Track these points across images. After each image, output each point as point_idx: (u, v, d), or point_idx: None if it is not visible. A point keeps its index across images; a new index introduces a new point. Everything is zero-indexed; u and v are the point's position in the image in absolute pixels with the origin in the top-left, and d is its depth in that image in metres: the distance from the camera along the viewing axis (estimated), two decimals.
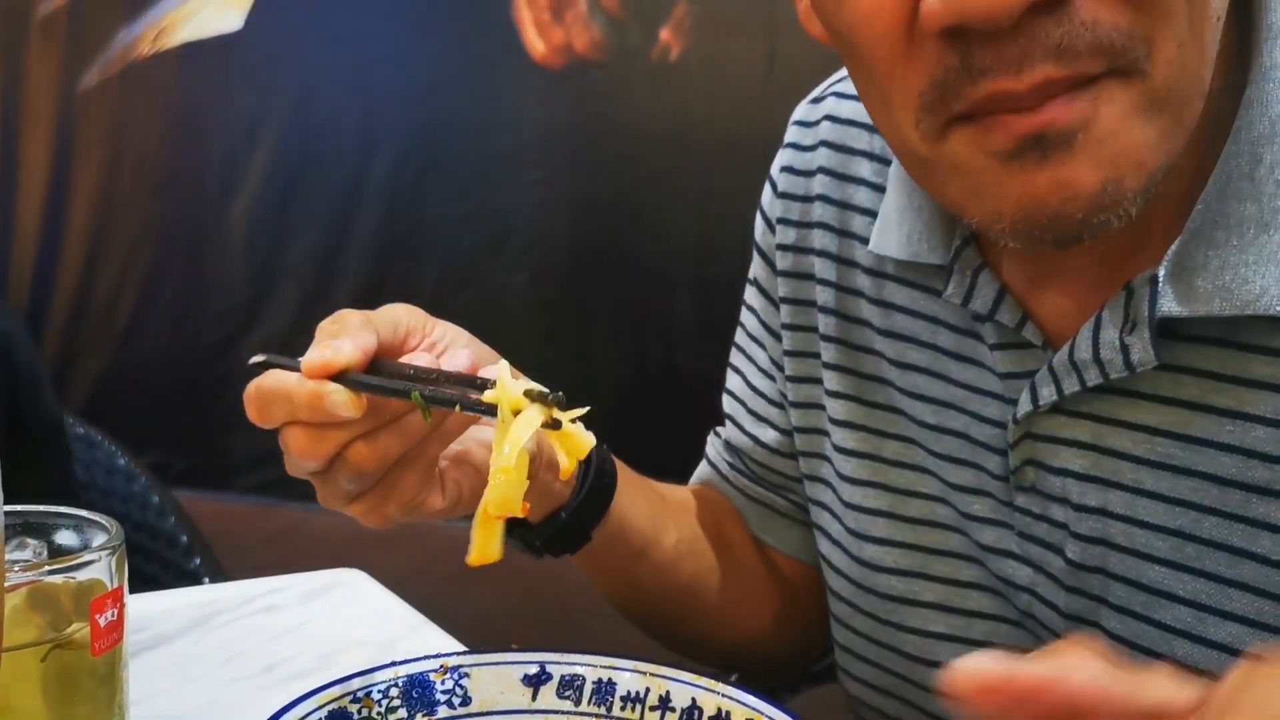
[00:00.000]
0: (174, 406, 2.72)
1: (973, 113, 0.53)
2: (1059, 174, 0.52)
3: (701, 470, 0.90)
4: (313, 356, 0.57)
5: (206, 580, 1.28)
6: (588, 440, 0.54)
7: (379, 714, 0.54)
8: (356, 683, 0.54)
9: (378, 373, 0.58)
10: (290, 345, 2.15)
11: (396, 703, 0.55)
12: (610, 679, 0.57)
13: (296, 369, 0.58)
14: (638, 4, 2.41)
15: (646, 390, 2.40)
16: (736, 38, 2.32)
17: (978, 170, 0.55)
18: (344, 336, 0.59)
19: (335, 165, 2.62)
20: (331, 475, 0.60)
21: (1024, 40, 0.50)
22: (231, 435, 2.20)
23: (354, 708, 0.54)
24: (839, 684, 0.82)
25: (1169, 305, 0.58)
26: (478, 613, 0.69)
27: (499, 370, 0.56)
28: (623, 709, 0.57)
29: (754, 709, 0.55)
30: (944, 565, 0.72)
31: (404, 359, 0.61)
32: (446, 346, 0.64)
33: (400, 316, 0.63)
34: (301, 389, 0.57)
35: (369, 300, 2.39)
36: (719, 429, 0.90)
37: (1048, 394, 0.63)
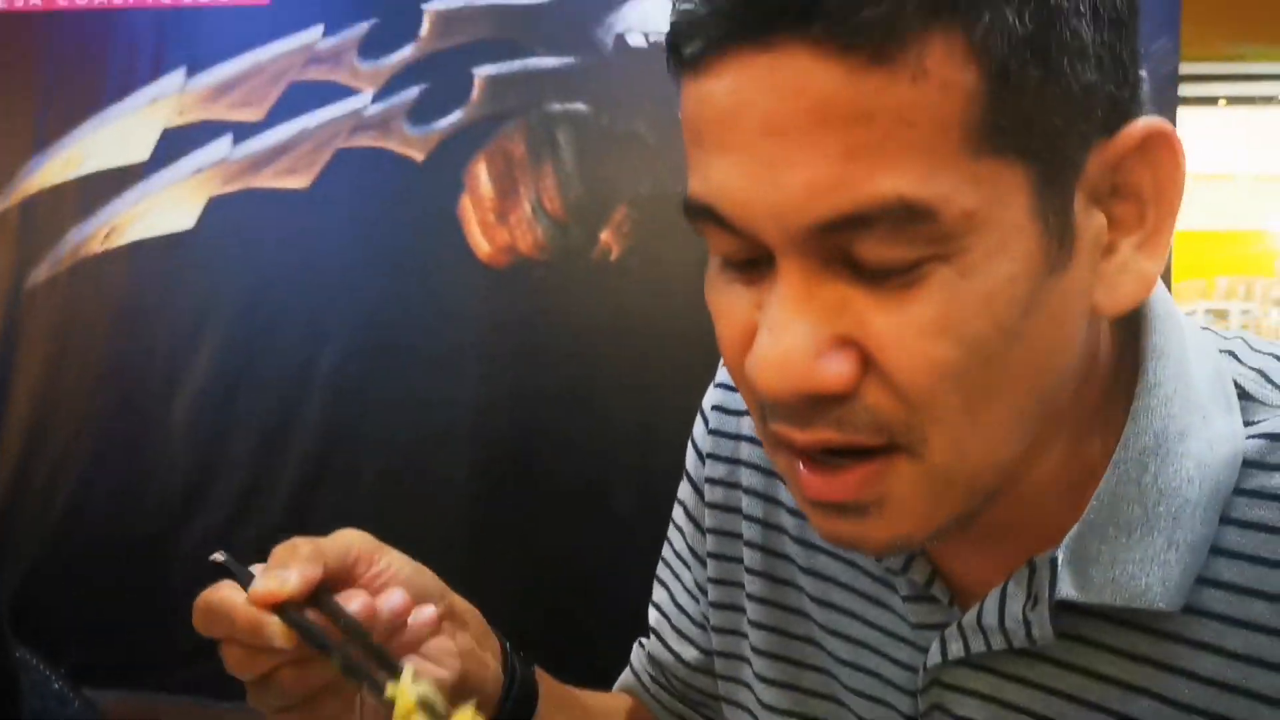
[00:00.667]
0: (107, 600, 2.66)
1: (781, 442, 0.60)
2: (856, 529, 0.59)
3: (626, 678, 0.94)
4: (258, 586, 0.63)
5: None
6: None
7: None
8: None
9: (320, 604, 0.63)
10: (228, 536, 2.16)
11: None
12: None
13: (245, 576, 0.64)
14: (579, 207, 2.52)
15: (590, 581, 2.39)
16: (672, 239, 2.43)
17: (797, 497, 0.62)
18: (293, 566, 0.64)
19: (280, 359, 2.65)
20: (261, 688, 0.64)
21: (807, 409, 0.56)
22: (165, 630, 2.16)
23: None
24: None
25: (1067, 590, 0.63)
26: None
27: (405, 671, 0.61)
28: None
29: None
30: None
31: (341, 596, 0.65)
32: (386, 581, 0.68)
33: (352, 543, 0.69)
34: (243, 614, 0.62)
35: (308, 493, 2.40)
36: (643, 639, 0.93)
37: (955, 649, 0.68)
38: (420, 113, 2.61)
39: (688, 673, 0.89)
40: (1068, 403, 0.63)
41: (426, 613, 0.67)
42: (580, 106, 2.54)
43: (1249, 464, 0.62)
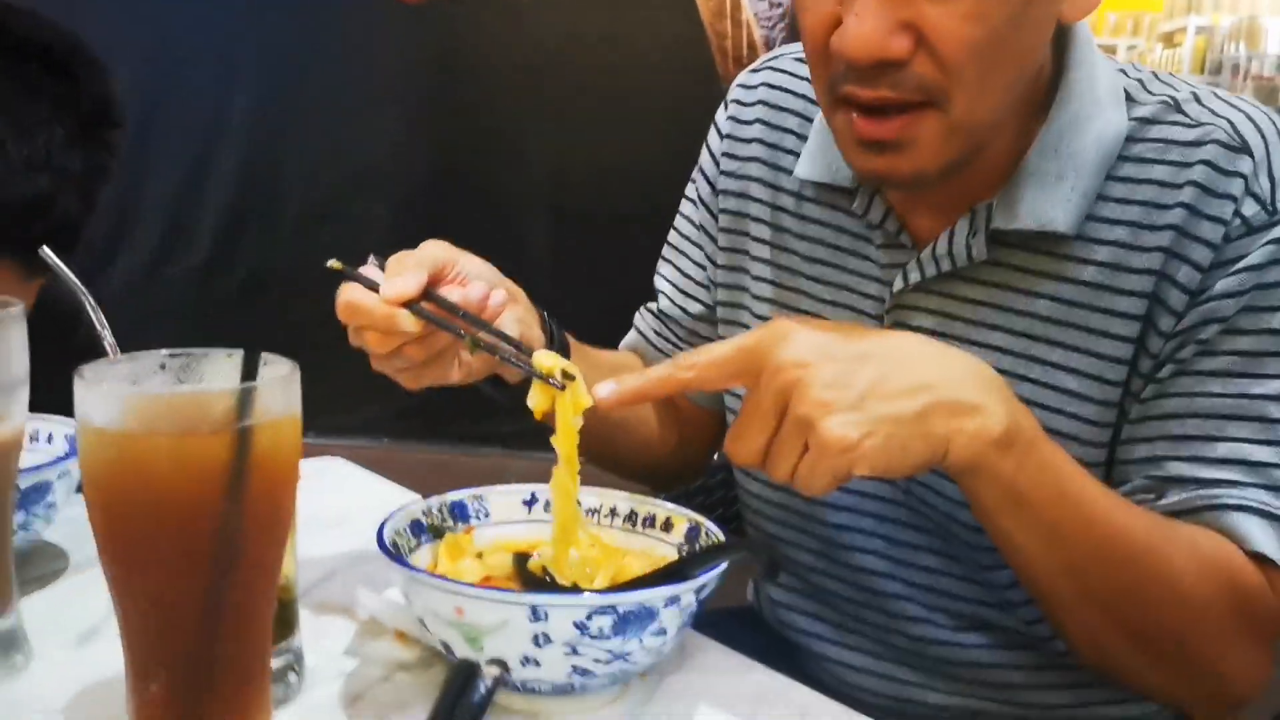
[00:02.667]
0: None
1: (846, 99, 0.85)
2: (889, 162, 0.85)
3: (630, 338, 1.22)
4: (388, 291, 0.83)
5: None
6: (586, 399, 0.82)
7: (436, 522, 0.83)
8: (424, 504, 0.84)
9: (428, 300, 0.84)
10: (152, 276, 2.28)
11: (447, 516, 0.84)
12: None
13: (360, 279, 0.84)
14: None
15: None
16: None
17: (845, 139, 0.88)
18: (408, 274, 0.84)
19: (192, 102, 2.66)
20: (387, 357, 0.87)
21: (875, 72, 0.82)
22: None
23: (424, 518, 0.83)
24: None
25: (998, 221, 0.92)
26: None
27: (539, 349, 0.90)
28: (585, 518, 0.84)
29: (670, 510, 0.86)
30: None
31: (442, 291, 0.87)
32: (467, 276, 0.90)
33: (439, 254, 0.89)
34: (380, 310, 0.83)
35: (229, 235, 2.48)
36: (648, 305, 1.20)
37: (914, 277, 0.96)
38: None
39: (691, 321, 1.16)
40: (1023, 93, 0.89)
41: (499, 296, 0.89)
42: None
43: (1128, 139, 0.91)
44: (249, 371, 0.64)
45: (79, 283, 0.84)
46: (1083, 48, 0.92)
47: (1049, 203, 0.90)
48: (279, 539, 0.67)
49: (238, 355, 0.67)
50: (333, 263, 0.85)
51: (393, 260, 0.88)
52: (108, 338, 0.84)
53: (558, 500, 0.82)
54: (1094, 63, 0.92)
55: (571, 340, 1.05)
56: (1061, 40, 0.93)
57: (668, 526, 0.86)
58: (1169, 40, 8.77)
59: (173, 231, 2.69)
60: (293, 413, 0.65)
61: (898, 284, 0.97)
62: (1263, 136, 0.88)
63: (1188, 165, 0.88)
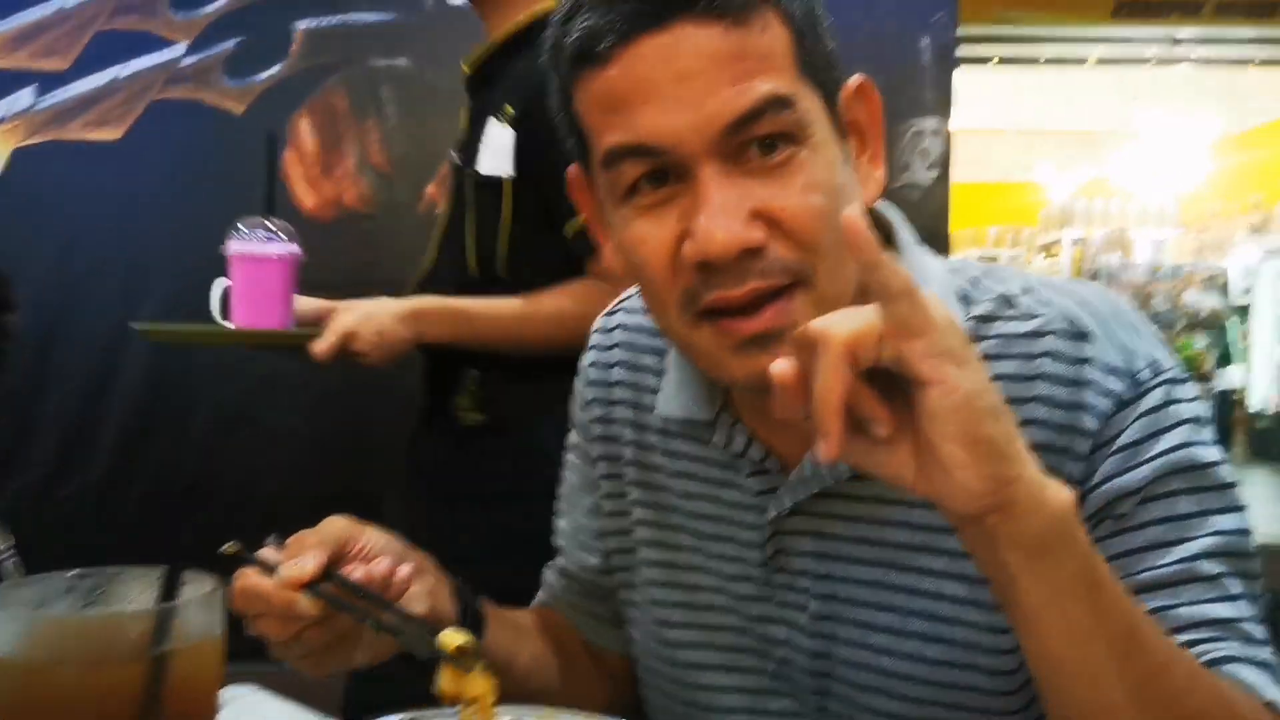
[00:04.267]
0: None
1: (710, 310, 0.82)
2: (773, 355, 0.76)
3: (542, 595, 1.17)
4: (286, 573, 0.80)
5: None
6: (489, 684, 0.80)
7: None
8: None
9: (330, 581, 0.81)
10: (50, 493, 2.19)
11: None
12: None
13: (257, 562, 0.80)
14: (404, 161, 2.58)
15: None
16: None
17: (715, 353, 0.84)
18: (307, 554, 0.81)
19: (98, 312, 2.62)
20: (287, 644, 0.82)
21: (739, 268, 0.80)
22: None
23: None
24: None
25: None
26: None
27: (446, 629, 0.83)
28: None
29: None
30: (723, 637, 0.98)
31: (346, 569, 0.84)
32: (370, 552, 0.87)
33: (340, 531, 0.86)
34: (277, 595, 0.79)
35: (134, 446, 2.39)
36: (552, 563, 1.16)
37: (787, 502, 0.92)
38: (238, 65, 2.61)
39: (592, 576, 1.11)
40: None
41: (404, 570, 0.85)
42: (401, 62, 2.60)
43: (971, 338, 0.86)
44: (168, 591, 0.60)
45: None
46: (908, 253, 0.94)
47: None
48: None
49: (154, 573, 0.63)
50: (228, 546, 0.81)
51: (292, 540, 0.84)
52: (10, 557, 0.79)
53: None
54: (924, 266, 0.93)
55: (489, 606, 1.00)
56: (889, 243, 0.94)
57: None
58: (1048, 250, 9.28)
59: (71, 447, 2.60)
60: (214, 634, 0.60)
61: (771, 511, 0.94)
62: (1094, 315, 0.89)
63: (1032, 358, 0.88)
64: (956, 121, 2.84)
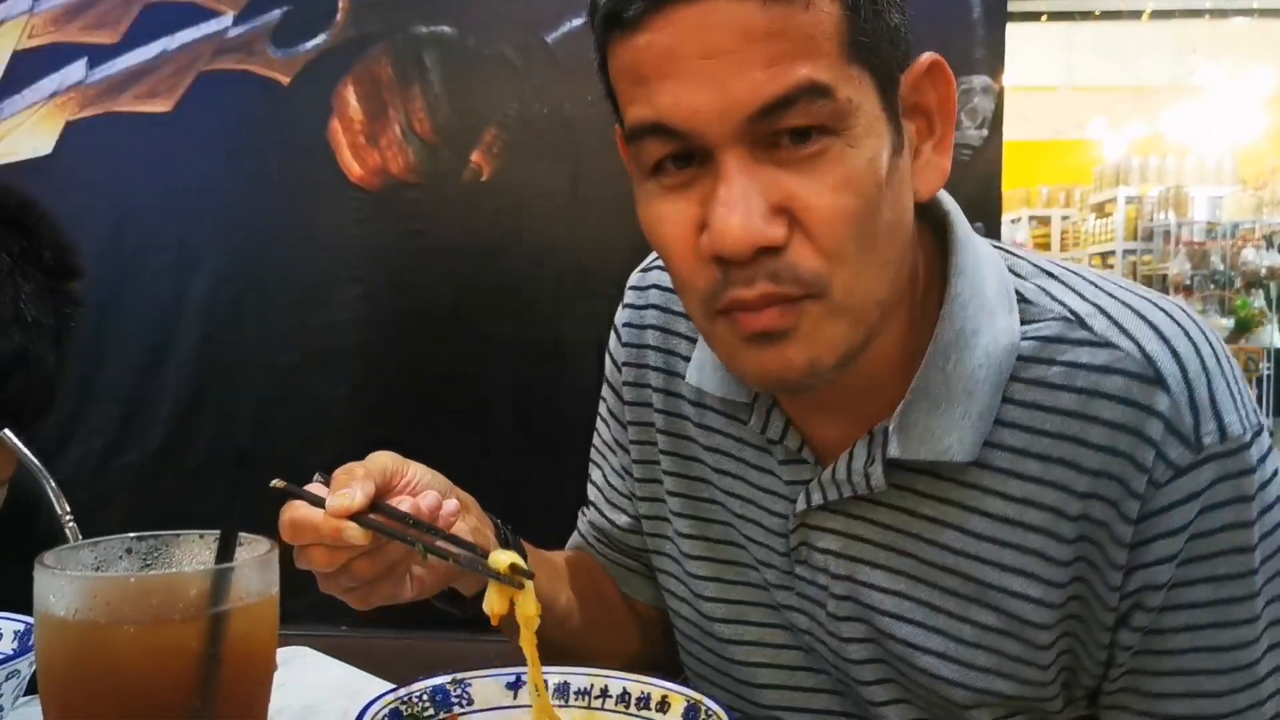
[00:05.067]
0: None
1: (727, 309, 0.80)
2: (779, 353, 0.78)
3: (575, 539, 1.18)
4: (334, 503, 0.79)
5: None
6: (538, 605, 0.81)
7: (416, 711, 0.77)
8: (401, 693, 0.78)
9: (377, 512, 0.82)
10: (107, 463, 2.23)
11: (427, 705, 0.78)
12: (566, 680, 0.82)
13: (305, 496, 0.81)
14: (449, 129, 2.58)
15: (472, 491, 2.50)
16: (542, 160, 2.52)
17: (730, 345, 0.82)
18: (355, 485, 0.81)
19: (151, 287, 2.65)
20: (335, 576, 0.83)
21: (753, 268, 0.76)
22: None
23: (403, 707, 0.77)
24: None
25: (894, 451, 0.86)
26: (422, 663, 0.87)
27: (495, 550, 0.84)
28: (576, 700, 0.81)
29: (665, 689, 0.82)
30: (756, 613, 0.99)
31: (393, 501, 0.84)
32: (417, 487, 0.88)
33: (387, 464, 0.87)
34: (326, 524, 0.79)
35: (186, 421, 2.44)
36: (584, 509, 1.14)
37: (816, 499, 0.92)
38: (284, 35, 2.62)
39: (621, 534, 1.11)
40: (903, 288, 0.85)
41: (451, 505, 0.86)
42: (445, 29, 2.59)
43: (1024, 359, 0.84)
44: (225, 552, 0.61)
45: (40, 465, 0.81)
46: (963, 251, 0.87)
47: (942, 431, 0.83)
48: None
49: (210, 536, 0.63)
50: (276, 482, 0.82)
51: (338, 473, 0.84)
52: (69, 523, 0.80)
53: (532, 698, 0.79)
54: (977, 266, 0.86)
55: (527, 546, 1.02)
56: (943, 242, 0.88)
57: (664, 706, 0.81)
58: (1100, 210, 9.13)
59: (126, 421, 2.64)
60: (271, 594, 0.61)
61: (800, 504, 0.92)
62: (1174, 355, 0.80)
63: (1096, 396, 0.80)
64: (1008, 78, 2.78)
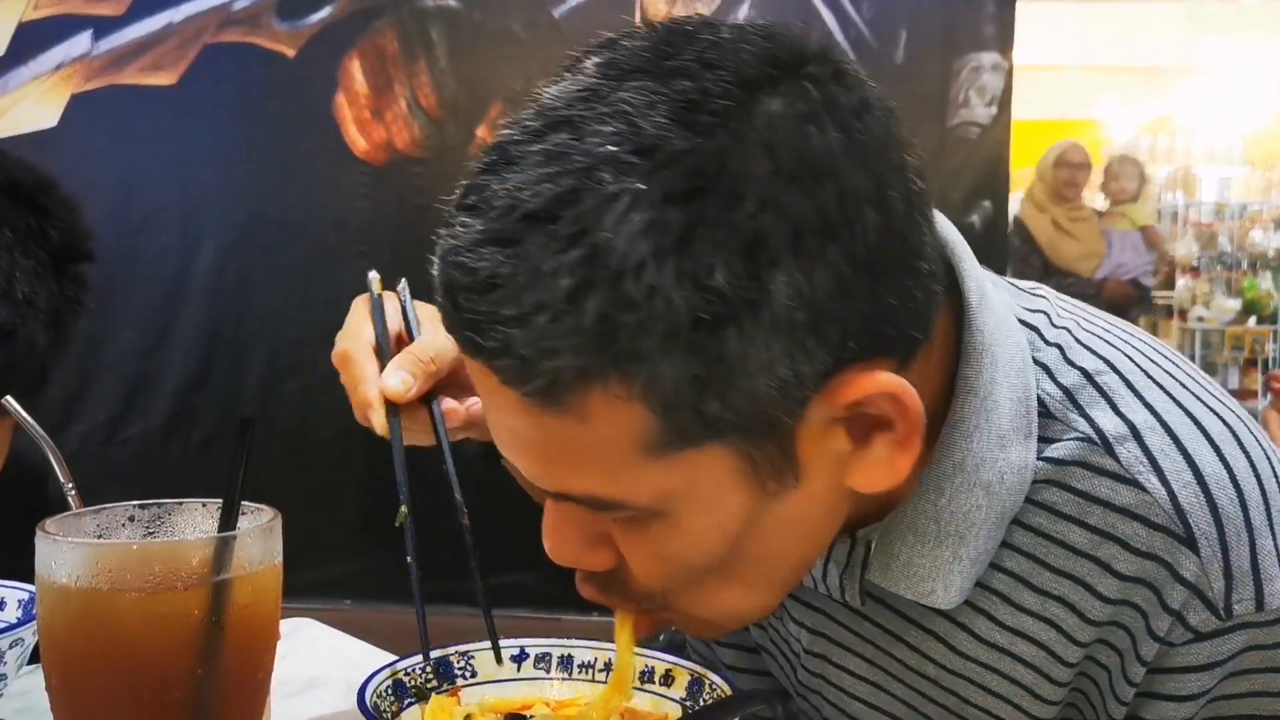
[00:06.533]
0: None
1: None
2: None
3: None
4: (386, 384, 0.83)
5: None
6: None
7: (419, 683, 0.78)
8: (405, 664, 0.78)
9: (426, 400, 0.85)
10: (112, 437, 2.22)
11: (430, 676, 0.78)
12: (569, 653, 0.82)
13: (379, 311, 0.87)
14: (455, 103, 2.57)
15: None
16: None
17: None
18: (417, 377, 0.83)
19: (156, 261, 2.65)
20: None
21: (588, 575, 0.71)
22: None
23: (406, 679, 0.77)
24: None
25: (873, 575, 0.75)
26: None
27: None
28: (579, 673, 0.81)
29: (670, 662, 0.81)
30: (746, 638, 0.97)
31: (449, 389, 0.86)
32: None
33: (450, 351, 0.84)
34: (367, 394, 0.84)
35: (192, 393, 2.43)
36: None
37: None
38: (289, 8, 2.61)
39: None
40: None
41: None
42: (452, 3, 2.58)
43: (1039, 481, 0.72)
44: (228, 520, 0.61)
45: (44, 433, 0.81)
46: (976, 360, 0.71)
47: (926, 571, 0.73)
48: (257, 707, 0.62)
49: (213, 505, 0.63)
50: (374, 275, 0.86)
51: (415, 347, 0.86)
52: (72, 490, 0.80)
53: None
54: (994, 379, 0.71)
55: None
56: (957, 348, 0.72)
57: (668, 680, 0.81)
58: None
59: (132, 394, 2.64)
60: (274, 563, 0.61)
61: None
62: (1215, 516, 0.68)
63: (1111, 540, 0.70)
64: (1017, 57, 2.76)
